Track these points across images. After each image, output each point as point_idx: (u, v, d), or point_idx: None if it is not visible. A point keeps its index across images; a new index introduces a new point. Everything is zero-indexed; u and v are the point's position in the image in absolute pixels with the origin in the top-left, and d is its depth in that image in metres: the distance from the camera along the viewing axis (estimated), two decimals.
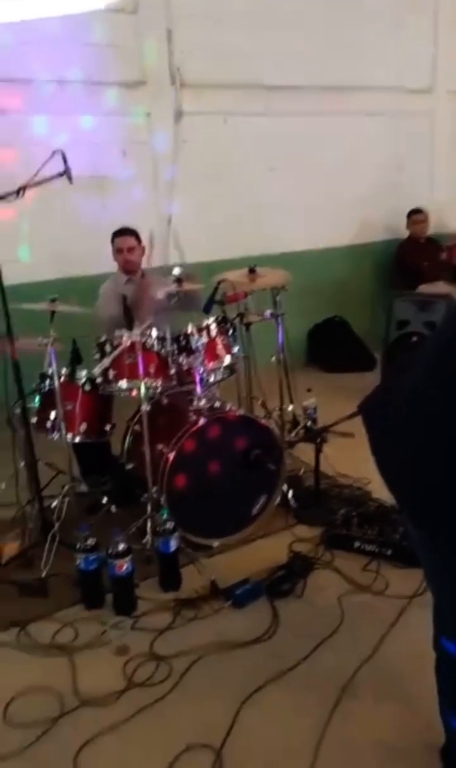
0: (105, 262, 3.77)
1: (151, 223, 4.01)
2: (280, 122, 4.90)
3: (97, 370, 2.40)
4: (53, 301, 2.75)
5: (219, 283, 3.01)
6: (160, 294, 3.06)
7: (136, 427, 3.00)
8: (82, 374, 2.94)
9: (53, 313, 2.74)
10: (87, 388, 2.93)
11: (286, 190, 4.97)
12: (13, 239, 4.10)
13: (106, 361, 2.45)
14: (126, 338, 2.57)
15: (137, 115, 4.43)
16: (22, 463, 3.03)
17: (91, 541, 2.36)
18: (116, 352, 2.52)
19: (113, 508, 2.87)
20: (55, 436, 2.90)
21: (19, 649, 2.23)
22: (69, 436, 2.83)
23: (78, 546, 2.36)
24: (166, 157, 4.53)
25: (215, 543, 2.74)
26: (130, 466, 2.97)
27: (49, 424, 2.91)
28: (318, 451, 3.06)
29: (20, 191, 2.67)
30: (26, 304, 2.74)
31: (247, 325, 3.33)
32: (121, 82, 4.35)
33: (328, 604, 2.36)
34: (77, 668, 2.13)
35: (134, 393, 2.82)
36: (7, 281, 3.93)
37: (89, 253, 4.18)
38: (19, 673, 2.13)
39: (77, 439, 2.88)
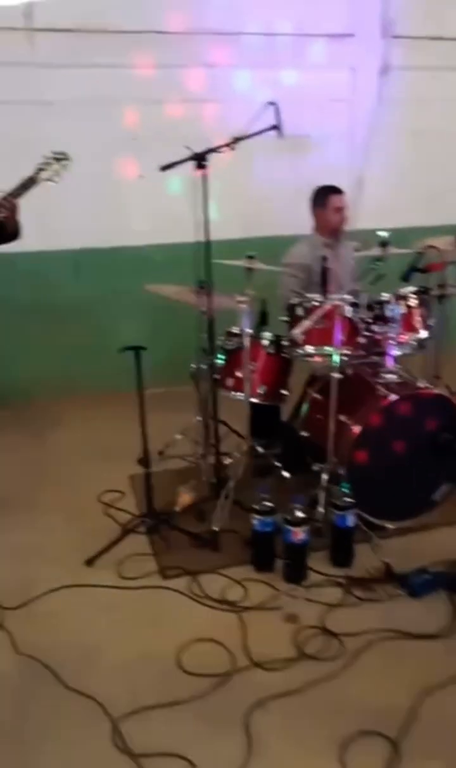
0: (292, 224, 3.67)
1: (343, 184, 3.81)
2: None
3: (297, 331, 2.32)
4: (251, 258, 2.70)
5: (423, 249, 2.79)
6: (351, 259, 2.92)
7: (316, 395, 2.90)
8: (267, 335, 2.90)
9: (249, 270, 2.70)
10: (271, 350, 2.89)
11: None
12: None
13: (307, 323, 2.36)
14: (327, 302, 2.45)
15: (341, 69, 4.21)
16: (199, 418, 3.09)
17: (269, 504, 2.33)
18: (318, 314, 2.41)
19: (285, 474, 2.82)
20: (236, 395, 2.90)
21: (189, 598, 2.28)
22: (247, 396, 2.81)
23: (256, 507, 2.34)
24: (366, 115, 4.28)
25: (390, 525, 2.60)
26: (304, 434, 2.90)
27: (229, 383, 2.91)
28: None
29: (234, 142, 2.61)
30: (222, 260, 2.72)
31: (441, 298, 3.08)
32: (328, 33, 4.14)
33: None
34: (247, 627, 2.12)
35: (317, 359, 2.73)
36: (192, 239, 3.98)
37: (276, 213, 4.11)
38: (190, 621, 2.17)
39: (255, 401, 2.85)
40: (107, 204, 3.99)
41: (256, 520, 2.35)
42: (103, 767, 1.67)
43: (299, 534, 2.27)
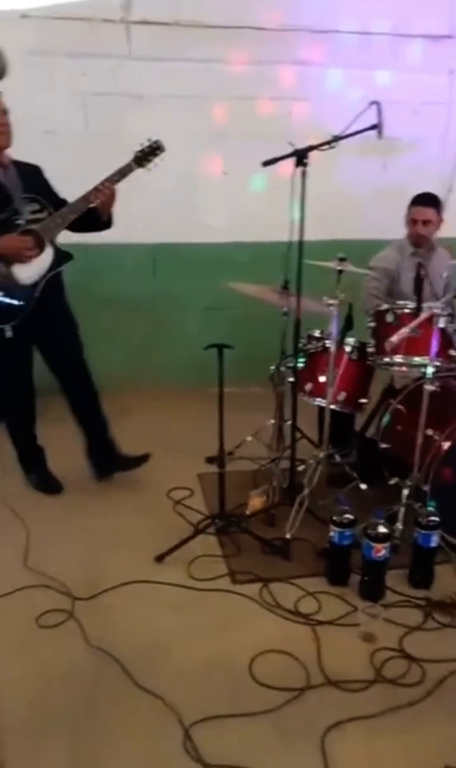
0: (378, 227, 3.57)
1: (433, 189, 3.68)
2: None
3: (395, 338, 2.23)
4: (342, 260, 2.63)
5: None
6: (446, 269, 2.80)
7: (400, 406, 2.80)
8: (350, 341, 2.82)
9: (340, 272, 2.62)
10: (354, 356, 2.81)
11: None
12: (287, 197, 4.06)
13: (404, 331, 2.27)
14: (425, 311, 2.35)
15: (438, 71, 4.07)
16: (272, 421, 3.03)
17: (350, 516, 2.24)
18: (416, 323, 2.31)
19: (362, 485, 2.73)
20: (314, 400, 2.83)
21: (261, 605, 2.22)
22: (325, 402, 2.73)
23: (335, 518, 2.26)
24: None
25: None
26: (384, 446, 2.80)
27: (308, 387, 2.84)
28: None
29: (334, 141, 2.54)
30: (313, 261, 2.65)
31: None
32: (426, 34, 4.02)
33: None
34: (321, 642, 2.05)
35: (403, 369, 2.64)
36: (275, 238, 3.91)
37: (362, 216, 4.01)
38: (261, 630, 2.11)
39: (333, 407, 2.77)
40: (188, 200, 3.97)
41: (334, 532, 2.27)
42: None
43: (381, 550, 2.18)
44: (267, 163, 2.43)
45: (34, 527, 2.63)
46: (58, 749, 1.67)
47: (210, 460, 3.22)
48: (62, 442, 2.99)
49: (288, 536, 2.48)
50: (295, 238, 2.70)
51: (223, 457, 2.56)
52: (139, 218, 3.87)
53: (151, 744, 1.70)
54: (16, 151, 2.71)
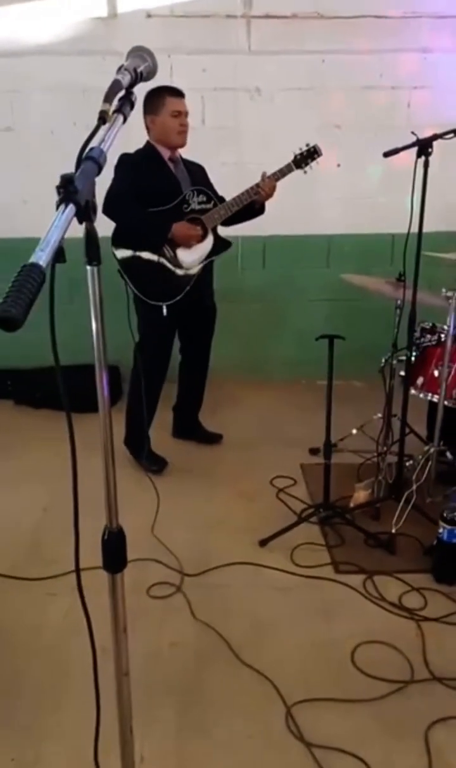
0: None
1: None
2: None
3: None
4: None
5: None
6: None
7: None
8: None
9: None
10: None
11: None
12: (404, 187, 3.98)
13: None
14: None
15: None
16: (378, 415, 3.00)
17: None
18: None
19: None
20: (425, 395, 2.78)
21: (365, 597, 2.22)
22: (439, 398, 2.67)
23: (446, 515, 2.22)
24: None
25: None
26: None
27: (420, 382, 2.79)
28: None
29: None
30: (432, 253, 2.60)
31: None
32: None
33: None
34: (426, 638, 2.02)
35: None
36: (386, 229, 3.84)
37: None
38: (364, 620, 2.12)
39: (447, 403, 2.70)
40: (300, 191, 3.96)
41: (443, 529, 2.23)
42: (276, 748, 1.67)
43: None
44: (388, 154, 2.40)
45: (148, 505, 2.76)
46: (168, 718, 1.75)
47: (313, 451, 3.24)
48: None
49: (393, 531, 2.46)
50: (414, 229, 2.64)
51: (330, 449, 2.57)
52: None
53: (255, 719, 1.76)
54: (135, 144, 2.87)
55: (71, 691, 1.83)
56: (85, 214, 0.89)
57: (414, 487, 2.56)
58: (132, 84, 1.14)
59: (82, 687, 1.79)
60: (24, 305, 0.67)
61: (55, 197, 0.87)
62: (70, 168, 0.93)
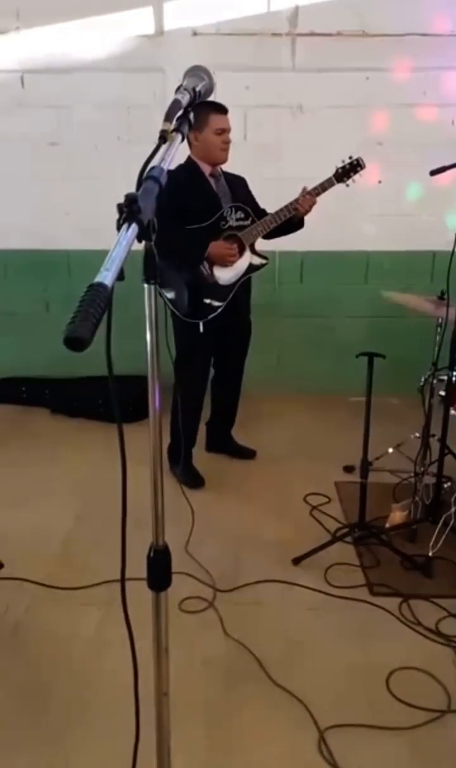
0: None
1: None
2: None
3: None
4: None
5: None
6: None
7: None
8: None
9: None
10: None
11: None
12: (445, 205, 3.96)
13: None
14: None
15: None
16: (416, 434, 2.96)
17: None
18: None
19: None
20: None
21: (400, 621, 2.18)
22: None
23: None
24: None
25: None
26: None
27: None
28: None
29: None
30: None
31: None
32: None
33: None
34: None
35: None
36: (432, 247, 3.80)
37: None
38: (400, 645, 2.07)
39: None
40: (339, 207, 3.96)
41: None
42: None
43: None
44: (435, 172, 2.39)
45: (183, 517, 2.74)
46: (198, 736, 1.73)
47: (347, 469, 3.20)
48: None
49: (430, 554, 2.41)
50: (442, 247, 2.62)
51: (367, 468, 2.54)
52: None
53: (287, 741, 1.73)
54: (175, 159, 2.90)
55: (99, 705, 1.82)
56: (146, 233, 0.89)
57: (453, 509, 2.51)
58: (190, 103, 1.16)
59: (111, 701, 1.80)
60: (91, 325, 0.68)
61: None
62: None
